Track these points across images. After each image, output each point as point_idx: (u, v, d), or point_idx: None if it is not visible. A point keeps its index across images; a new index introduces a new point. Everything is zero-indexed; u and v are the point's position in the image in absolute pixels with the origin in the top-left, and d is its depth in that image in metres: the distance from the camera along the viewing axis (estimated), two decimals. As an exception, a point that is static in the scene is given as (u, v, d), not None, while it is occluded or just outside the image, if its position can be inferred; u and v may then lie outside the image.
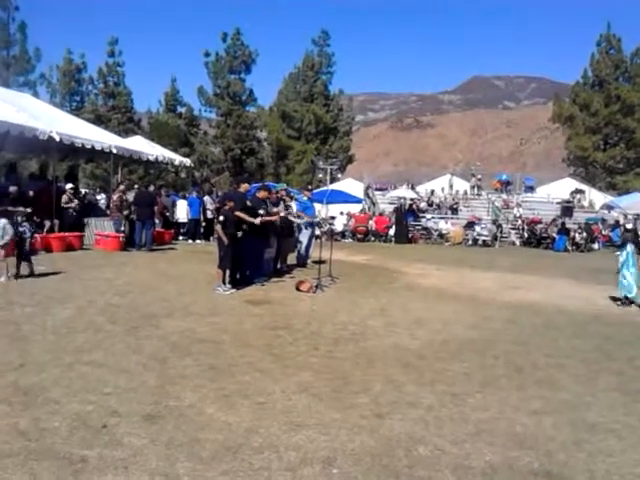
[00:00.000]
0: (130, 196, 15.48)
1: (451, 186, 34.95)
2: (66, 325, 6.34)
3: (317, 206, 20.19)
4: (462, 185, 35.84)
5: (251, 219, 9.54)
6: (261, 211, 9.82)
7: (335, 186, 31.38)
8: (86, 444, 3.44)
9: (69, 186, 15.45)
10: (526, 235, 26.44)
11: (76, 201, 15.16)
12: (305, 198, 13.34)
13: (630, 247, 9.77)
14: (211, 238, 17.82)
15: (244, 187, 10.30)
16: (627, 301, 9.60)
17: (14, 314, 6.74)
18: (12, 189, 13.53)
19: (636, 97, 40.37)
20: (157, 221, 16.43)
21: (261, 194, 10.38)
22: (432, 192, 32.61)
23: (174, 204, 19.05)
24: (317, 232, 13.28)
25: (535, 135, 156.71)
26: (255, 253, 10.09)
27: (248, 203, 9.82)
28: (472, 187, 34.56)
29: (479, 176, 35.19)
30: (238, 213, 9.31)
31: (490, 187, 35.61)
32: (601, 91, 42.95)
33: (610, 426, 4.15)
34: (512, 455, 3.59)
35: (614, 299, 9.99)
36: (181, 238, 18.74)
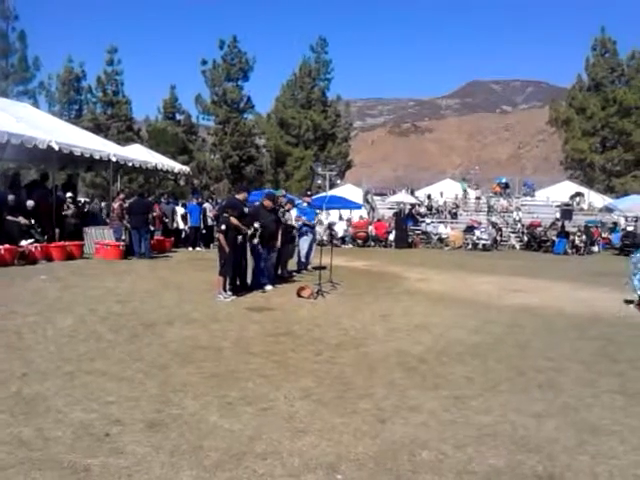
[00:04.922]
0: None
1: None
2: (68, 334, 6.35)
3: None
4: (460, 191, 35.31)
5: (244, 228, 9.52)
6: (256, 224, 9.78)
7: (334, 192, 31.35)
8: (89, 453, 3.44)
9: (68, 195, 15.47)
10: (526, 238, 26.45)
11: (72, 206, 15.17)
12: (305, 204, 13.39)
13: None
14: (211, 245, 17.86)
15: (242, 196, 10.29)
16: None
17: (16, 323, 6.74)
18: (10, 198, 13.53)
19: (632, 99, 40.44)
20: (152, 228, 16.41)
21: (266, 202, 10.39)
22: (428, 196, 32.39)
23: (174, 212, 19.07)
24: (318, 238, 13.29)
25: (534, 139, 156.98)
26: (256, 260, 10.11)
27: (245, 210, 9.83)
28: (477, 198, 33.90)
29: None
30: (233, 220, 9.27)
31: (489, 191, 35.39)
32: (597, 94, 43.06)
33: (612, 428, 4.15)
34: (515, 458, 3.59)
35: (628, 302, 9.91)
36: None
